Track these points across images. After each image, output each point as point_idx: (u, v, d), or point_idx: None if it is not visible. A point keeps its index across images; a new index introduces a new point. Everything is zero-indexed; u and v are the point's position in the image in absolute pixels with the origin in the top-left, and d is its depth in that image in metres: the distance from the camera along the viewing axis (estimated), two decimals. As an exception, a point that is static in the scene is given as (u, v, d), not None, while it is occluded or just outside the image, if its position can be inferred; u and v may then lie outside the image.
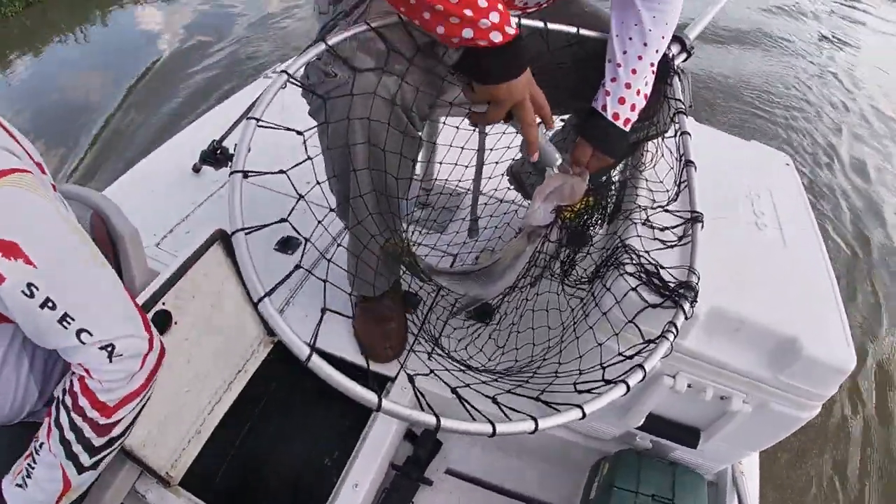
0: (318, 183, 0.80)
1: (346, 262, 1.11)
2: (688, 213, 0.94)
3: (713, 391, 0.92)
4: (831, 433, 2.41)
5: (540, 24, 0.89)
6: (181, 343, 1.00)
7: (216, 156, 1.51)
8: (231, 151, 1.48)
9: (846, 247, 3.59)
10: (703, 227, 0.92)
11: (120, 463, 0.98)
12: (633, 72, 0.90)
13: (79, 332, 0.67)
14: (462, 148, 1.06)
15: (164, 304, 0.95)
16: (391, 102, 0.83)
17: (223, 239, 1.01)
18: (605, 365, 0.79)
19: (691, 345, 0.88)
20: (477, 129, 1.25)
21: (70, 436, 0.73)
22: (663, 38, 0.93)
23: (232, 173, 0.67)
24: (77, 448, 0.73)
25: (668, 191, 1.01)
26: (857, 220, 3.88)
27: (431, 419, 0.60)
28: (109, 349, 0.69)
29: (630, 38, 0.91)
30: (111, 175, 2.56)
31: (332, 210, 0.93)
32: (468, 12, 0.71)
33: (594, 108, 0.92)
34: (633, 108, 0.91)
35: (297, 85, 0.80)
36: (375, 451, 1.04)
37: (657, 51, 0.92)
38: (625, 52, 0.91)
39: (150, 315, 0.92)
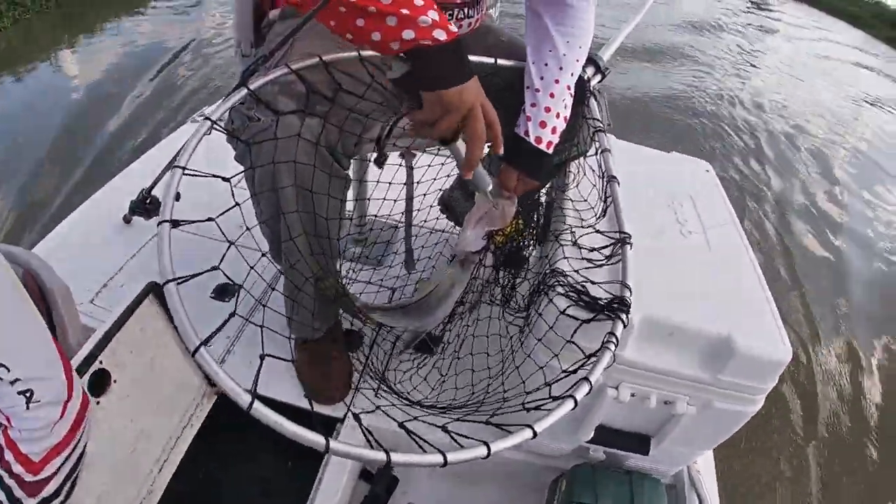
0: (247, 229, 0.80)
1: (284, 306, 1.09)
2: (616, 234, 0.97)
3: (657, 397, 0.95)
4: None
5: None
6: (123, 401, 0.96)
7: (146, 205, 1.47)
8: (161, 200, 1.47)
9: (772, 243, 3.87)
10: (631, 247, 0.94)
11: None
12: (552, 96, 0.94)
13: None
14: (389, 183, 1.08)
15: (101, 362, 0.92)
16: (315, 144, 0.83)
17: (156, 291, 0.99)
18: (550, 383, 0.80)
19: (629, 355, 0.91)
20: (403, 164, 1.26)
21: (0, 496, 0.70)
22: (578, 60, 0.97)
23: (160, 223, 0.67)
24: None
25: (593, 207, 1.04)
26: (779, 217, 4.21)
27: (381, 455, 0.59)
28: (28, 394, 0.67)
29: (546, 64, 0.95)
30: (40, 233, 2.46)
31: (264, 255, 0.92)
32: (405, 11, 0.68)
33: (517, 134, 0.95)
34: (553, 130, 0.94)
35: (220, 131, 0.80)
36: (331, 494, 1.02)
37: (572, 73, 0.96)
38: (542, 78, 0.94)
39: (88, 374, 0.89)
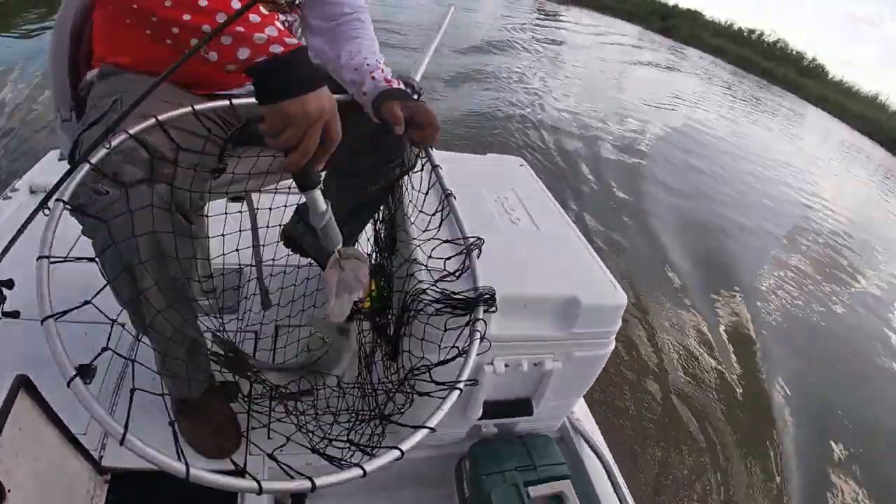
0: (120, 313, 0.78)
1: (154, 363, 1.04)
2: (460, 242, 1.03)
3: (527, 362, 1.09)
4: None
5: None
6: (24, 508, 0.87)
7: None
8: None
9: (589, 210, 4.70)
10: (479, 253, 1.00)
11: None
12: (381, 70, 1.03)
13: None
14: (237, 231, 1.10)
15: (-9, 477, 0.82)
16: (169, 210, 0.82)
17: (26, 384, 0.91)
18: (431, 367, 0.88)
19: (496, 331, 1.03)
20: (244, 205, 1.27)
21: None
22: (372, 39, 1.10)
23: (44, 320, 0.62)
24: None
25: (432, 215, 1.08)
26: (591, 190, 5.29)
27: (306, 483, 0.61)
28: None
29: (364, 58, 1.04)
30: None
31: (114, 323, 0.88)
32: (240, 29, 0.68)
33: (379, 91, 1.00)
34: (398, 81, 1.03)
35: (72, 210, 0.76)
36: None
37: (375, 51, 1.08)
38: (355, 59, 1.04)
39: None
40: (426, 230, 1.05)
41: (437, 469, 1.28)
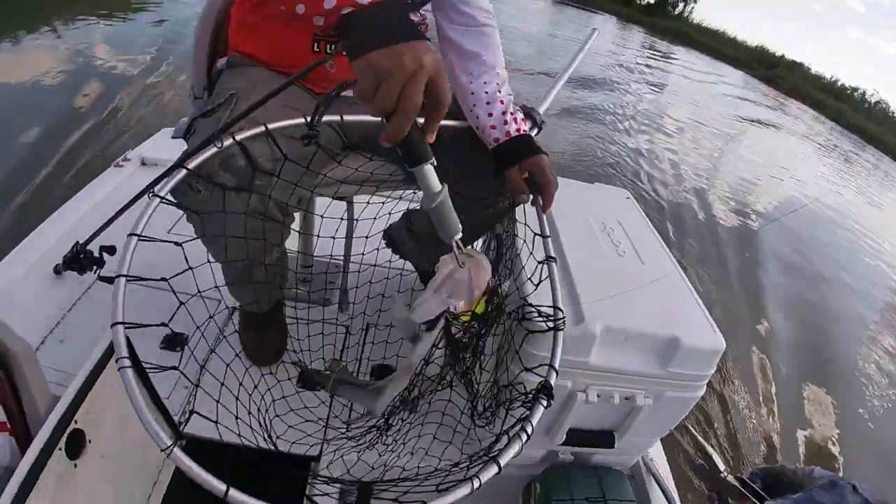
0: (199, 293, 0.81)
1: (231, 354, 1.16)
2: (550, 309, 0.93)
3: (619, 395, 1.08)
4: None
5: None
6: (99, 462, 0.93)
7: (80, 260, 1.42)
8: (96, 255, 1.42)
9: (692, 251, 4.60)
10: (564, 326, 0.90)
11: None
12: (501, 102, 1.01)
13: None
14: (341, 219, 1.13)
15: (76, 422, 0.88)
16: (263, 216, 0.88)
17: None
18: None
19: (594, 360, 1.03)
20: (346, 200, 1.30)
21: None
22: (496, 56, 1.03)
23: (114, 324, 0.65)
24: None
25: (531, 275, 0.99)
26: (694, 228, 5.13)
27: None
28: None
29: (484, 81, 1.01)
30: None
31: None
32: None
33: (498, 145, 0.99)
34: (515, 119, 1.00)
35: (170, 204, 0.78)
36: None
37: (502, 79, 1.03)
38: (486, 92, 1.00)
39: (64, 436, 0.85)
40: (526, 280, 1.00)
41: (504, 487, 1.28)
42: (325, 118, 0.75)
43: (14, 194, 3.07)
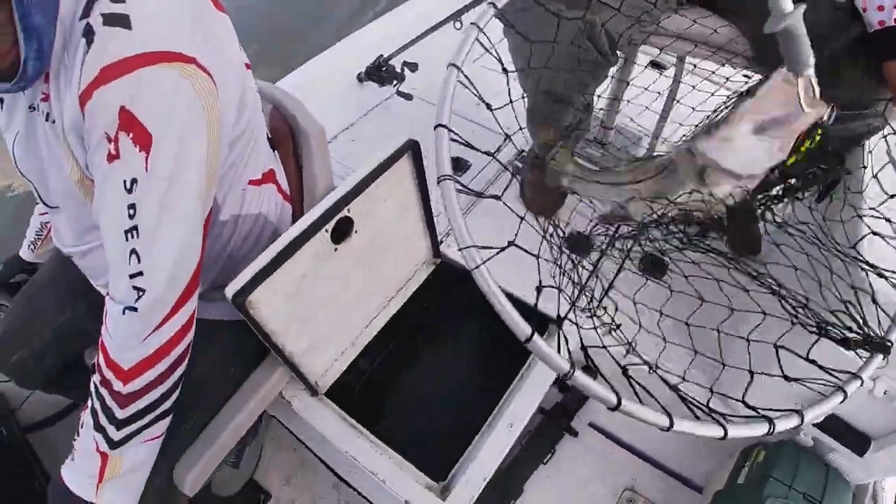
0: (508, 137, 0.75)
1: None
2: None
3: (908, 403, 0.88)
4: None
5: None
6: (357, 252, 0.97)
7: (381, 73, 1.48)
8: (397, 70, 1.46)
9: None
10: None
11: (272, 367, 0.96)
12: None
13: (132, 252, 0.63)
14: (657, 92, 0.99)
15: (349, 210, 0.91)
16: (591, 43, 0.85)
17: (413, 149, 0.97)
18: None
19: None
20: (671, 73, 1.22)
21: (96, 404, 0.69)
22: None
23: (437, 127, 0.61)
24: (103, 419, 0.69)
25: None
26: None
27: (612, 398, 0.53)
28: (140, 293, 0.64)
29: None
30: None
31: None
32: None
33: (880, 29, 0.81)
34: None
35: (503, 22, 0.74)
36: (532, 393, 1.03)
37: None
38: None
39: (333, 220, 0.88)
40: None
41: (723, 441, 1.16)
42: None
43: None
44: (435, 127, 0.60)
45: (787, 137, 0.65)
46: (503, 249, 0.55)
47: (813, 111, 0.64)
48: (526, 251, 0.58)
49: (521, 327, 0.53)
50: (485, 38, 0.67)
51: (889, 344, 0.63)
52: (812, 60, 0.63)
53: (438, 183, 0.59)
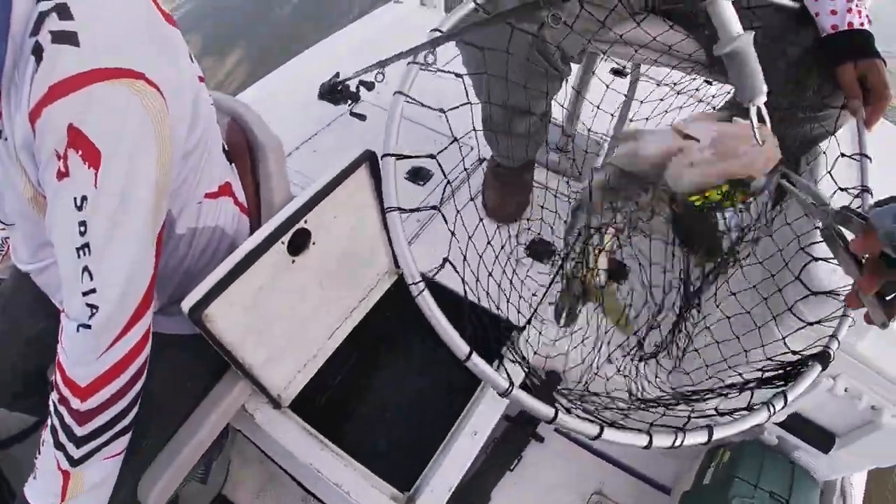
0: (456, 139, 0.72)
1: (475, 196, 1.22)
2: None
3: (867, 400, 0.88)
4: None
5: None
6: (315, 264, 0.97)
7: (337, 93, 1.48)
8: (352, 89, 1.46)
9: None
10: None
11: (233, 381, 0.95)
12: None
13: (84, 269, 0.62)
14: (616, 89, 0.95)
15: (305, 221, 0.90)
16: (543, 57, 0.86)
17: (371, 161, 0.96)
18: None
19: (865, 350, 0.83)
20: (628, 76, 1.24)
21: (55, 421, 0.69)
22: None
23: (384, 156, 0.60)
24: (62, 437, 0.68)
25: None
26: None
27: (548, 412, 0.52)
28: (93, 311, 0.63)
29: None
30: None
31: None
32: None
33: (828, 35, 0.83)
34: (860, 13, 0.82)
35: (453, 38, 0.71)
36: (496, 400, 1.02)
37: None
38: None
39: (290, 232, 0.87)
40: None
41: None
42: None
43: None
44: (381, 157, 0.59)
45: (748, 164, 0.59)
46: (440, 268, 0.54)
47: (759, 162, 0.58)
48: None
49: (461, 347, 0.52)
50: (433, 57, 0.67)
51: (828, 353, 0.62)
52: (765, 88, 0.59)
53: (385, 214, 0.59)
